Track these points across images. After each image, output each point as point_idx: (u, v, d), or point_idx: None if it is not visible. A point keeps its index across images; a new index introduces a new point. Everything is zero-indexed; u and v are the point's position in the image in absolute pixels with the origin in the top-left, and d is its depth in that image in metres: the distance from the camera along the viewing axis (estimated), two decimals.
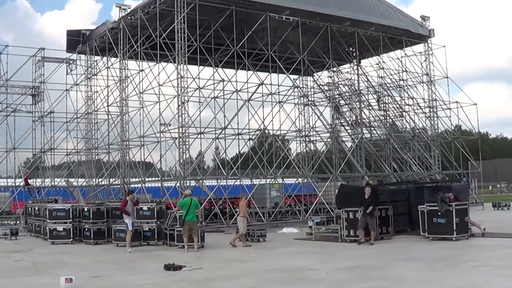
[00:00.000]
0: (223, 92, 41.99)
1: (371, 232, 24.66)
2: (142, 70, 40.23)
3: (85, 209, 29.68)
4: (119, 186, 44.38)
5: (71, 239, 28.93)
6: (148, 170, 44.86)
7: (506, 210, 45.78)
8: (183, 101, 36.50)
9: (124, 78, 42.39)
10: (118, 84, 43.18)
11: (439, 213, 24.67)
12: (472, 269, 17.20)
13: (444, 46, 52.01)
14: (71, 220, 29.21)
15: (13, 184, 44.58)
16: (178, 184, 37.01)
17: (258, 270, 18.17)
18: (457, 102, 51.86)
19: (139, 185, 41.79)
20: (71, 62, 46.73)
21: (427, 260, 19.40)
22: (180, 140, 36.59)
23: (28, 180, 44.33)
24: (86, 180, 47.33)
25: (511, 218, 37.00)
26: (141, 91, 39.73)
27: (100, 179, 46.12)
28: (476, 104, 51.74)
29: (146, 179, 41.84)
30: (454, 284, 14.57)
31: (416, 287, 14.40)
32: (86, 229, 28.93)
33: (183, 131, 36.50)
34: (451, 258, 19.67)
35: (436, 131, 52.99)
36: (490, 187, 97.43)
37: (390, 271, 17.20)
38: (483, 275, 15.92)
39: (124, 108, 42.20)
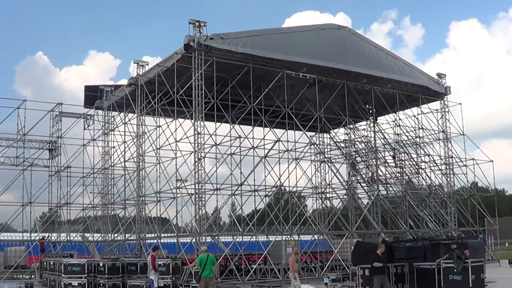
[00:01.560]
0: (240, 149, 42.13)
1: None
2: (159, 126, 40.64)
3: (101, 264, 29.68)
4: (134, 241, 44.36)
5: None
6: (164, 225, 44.97)
7: None
8: (199, 157, 36.68)
9: (141, 134, 42.64)
10: (135, 140, 43.43)
11: (455, 270, 24.55)
12: None
13: (460, 104, 52.39)
14: (86, 275, 29.14)
15: (29, 238, 44.64)
16: (194, 240, 36.98)
17: None
18: (473, 159, 51.86)
19: (155, 241, 41.75)
20: (88, 117, 47.13)
21: None
22: (196, 196, 36.67)
23: (43, 245, 44.40)
24: (102, 235, 47.32)
25: None
26: (158, 147, 40.03)
27: (115, 234, 46.14)
28: (492, 161, 51.80)
29: (162, 234, 41.86)
30: None
31: None
32: (101, 284, 28.87)
33: (200, 187, 36.61)
34: None
35: (453, 188, 52.89)
36: (506, 244, 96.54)
37: None
38: None
39: (140, 163, 42.37)
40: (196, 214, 37.05)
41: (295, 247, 28.12)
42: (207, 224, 39.36)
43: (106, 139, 47.36)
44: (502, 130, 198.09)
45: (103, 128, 47.29)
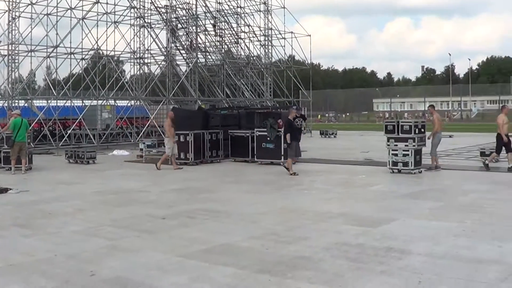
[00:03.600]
0: (57, 9, 40.56)
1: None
2: None
3: None
4: None
5: None
6: None
7: (333, 138, 47.55)
8: (14, 16, 35.16)
9: None
10: None
11: (268, 139, 25.28)
12: (297, 192, 17.78)
13: None
14: None
15: None
16: (6, 104, 35.85)
17: (87, 192, 17.95)
18: (292, 32, 52.88)
19: None
20: None
21: (255, 183, 19.87)
22: (10, 57, 35.34)
23: None
24: None
25: (336, 145, 38.46)
26: None
27: None
28: (310, 35, 53.04)
29: None
30: (280, 206, 15.00)
31: (243, 208, 14.71)
32: None
33: (13, 48, 35.22)
34: (278, 182, 20.22)
35: (270, 59, 53.92)
36: (319, 116, 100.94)
37: (219, 193, 17.50)
38: (307, 198, 16.50)
39: None
40: (9, 76, 35.82)
41: (170, 112, 27.08)
42: (20, 87, 38.18)
43: None
44: (322, 7, 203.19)
45: None
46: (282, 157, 25.15)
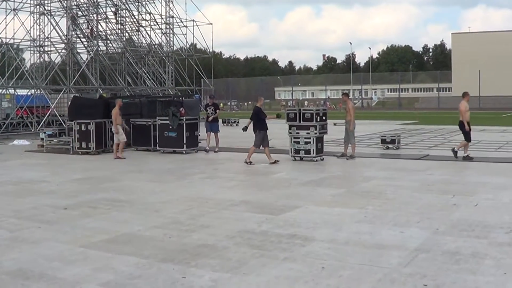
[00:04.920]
0: None
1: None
2: None
3: None
4: None
5: None
6: None
7: (235, 126, 47.73)
8: None
9: None
10: None
11: (170, 127, 25.31)
12: (200, 180, 17.84)
13: None
14: None
15: None
16: None
17: None
18: (193, 20, 52.75)
19: None
20: None
21: (158, 172, 19.85)
22: None
23: None
24: None
25: (238, 134, 38.54)
26: None
27: None
28: (212, 24, 53.04)
29: None
30: (183, 194, 15.03)
31: (146, 197, 14.68)
32: None
33: None
34: (181, 170, 20.27)
35: (172, 48, 53.67)
36: (221, 104, 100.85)
37: (122, 183, 17.41)
38: (210, 186, 16.59)
39: None
40: None
41: (119, 100, 26.07)
42: None
43: None
44: None
45: None
46: (185, 146, 25.25)
